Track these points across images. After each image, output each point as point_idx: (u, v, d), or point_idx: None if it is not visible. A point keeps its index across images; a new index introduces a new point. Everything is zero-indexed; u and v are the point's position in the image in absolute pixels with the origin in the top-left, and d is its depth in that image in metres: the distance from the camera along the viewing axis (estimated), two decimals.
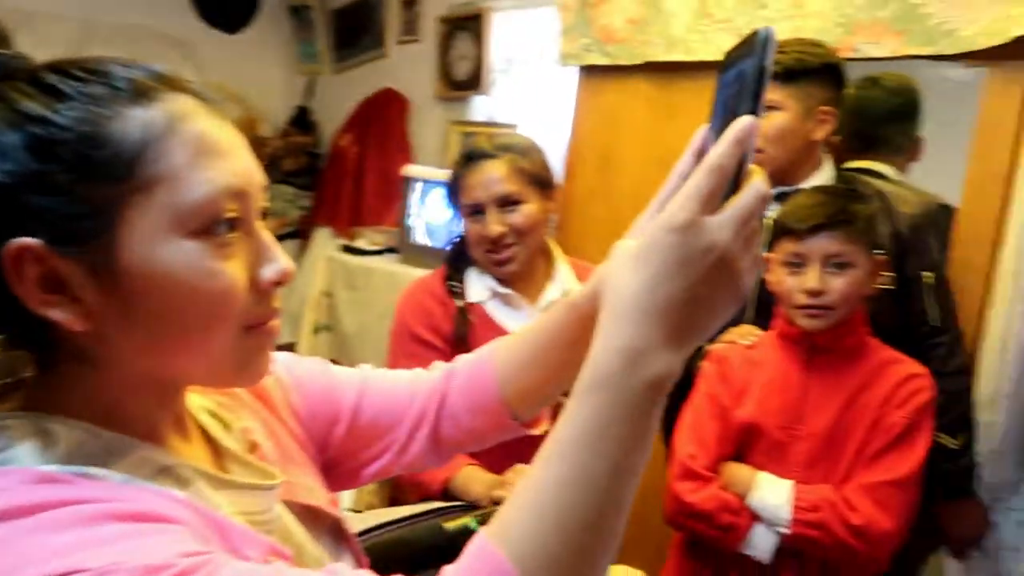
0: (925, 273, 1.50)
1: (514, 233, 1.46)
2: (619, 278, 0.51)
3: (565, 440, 0.50)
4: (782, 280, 1.33)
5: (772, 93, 1.48)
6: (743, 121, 0.51)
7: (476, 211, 1.47)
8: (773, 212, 1.47)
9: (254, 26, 3.74)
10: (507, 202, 1.45)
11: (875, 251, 1.33)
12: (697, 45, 1.98)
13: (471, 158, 1.48)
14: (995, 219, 1.52)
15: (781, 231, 1.33)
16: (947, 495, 1.51)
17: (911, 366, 1.32)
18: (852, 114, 1.92)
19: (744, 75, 0.52)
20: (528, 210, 1.46)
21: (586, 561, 0.49)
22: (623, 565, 1.26)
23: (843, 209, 1.29)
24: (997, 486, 1.49)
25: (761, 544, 1.27)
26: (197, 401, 0.67)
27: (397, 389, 0.81)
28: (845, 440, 1.29)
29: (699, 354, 1.45)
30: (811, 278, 1.27)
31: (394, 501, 1.57)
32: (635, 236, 0.53)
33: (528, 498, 0.49)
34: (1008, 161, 1.51)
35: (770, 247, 1.37)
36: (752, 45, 0.51)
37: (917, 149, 2.00)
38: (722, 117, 0.54)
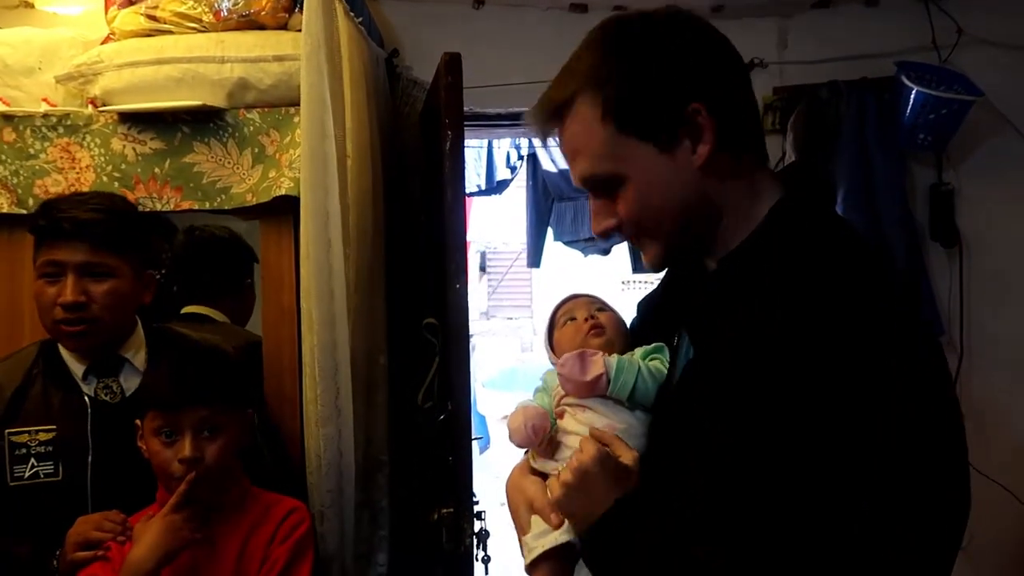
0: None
1: None
2: None
3: None
4: (159, 451, 1.30)
5: (106, 259, 1.43)
6: None
7: None
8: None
9: None
10: None
11: (244, 406, 1.41)
12: None
13: None
14: (292, 351, 1.72)
15: (150, 403, 1.33)
16: None
17: (289, 503, 1.42)
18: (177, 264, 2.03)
19: None
20: None
21: None
22: None
23: (211, 378, 1.35)
24: None
25: None
26: None
27: None
28: None
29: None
30: (187, 447, 1.28)
31: None
32: None
33: None
34: (292, 298, 1.72)
35: (140, 417, 1.34)
36: None
37: (248, 291, 2.13)
38: None
